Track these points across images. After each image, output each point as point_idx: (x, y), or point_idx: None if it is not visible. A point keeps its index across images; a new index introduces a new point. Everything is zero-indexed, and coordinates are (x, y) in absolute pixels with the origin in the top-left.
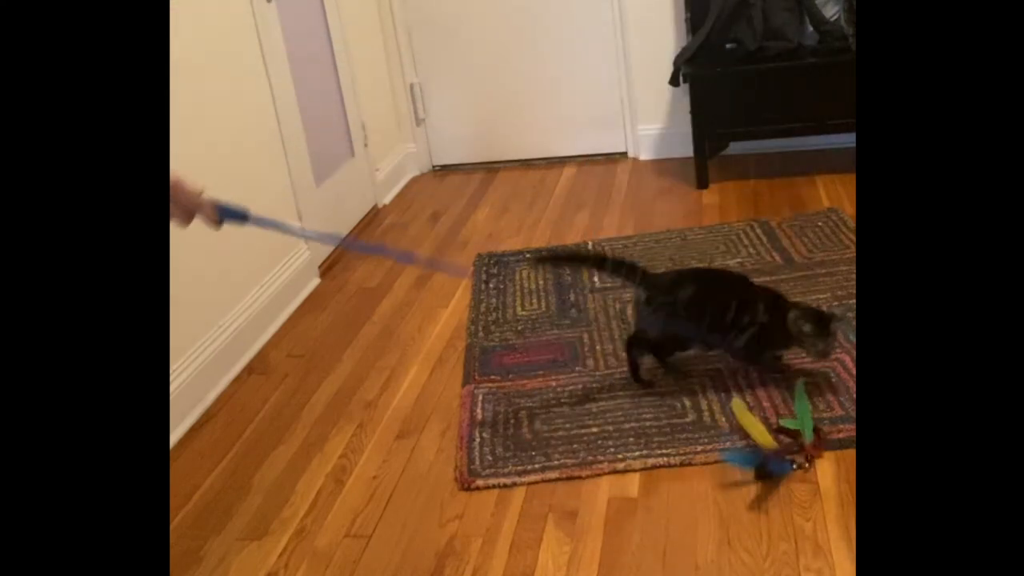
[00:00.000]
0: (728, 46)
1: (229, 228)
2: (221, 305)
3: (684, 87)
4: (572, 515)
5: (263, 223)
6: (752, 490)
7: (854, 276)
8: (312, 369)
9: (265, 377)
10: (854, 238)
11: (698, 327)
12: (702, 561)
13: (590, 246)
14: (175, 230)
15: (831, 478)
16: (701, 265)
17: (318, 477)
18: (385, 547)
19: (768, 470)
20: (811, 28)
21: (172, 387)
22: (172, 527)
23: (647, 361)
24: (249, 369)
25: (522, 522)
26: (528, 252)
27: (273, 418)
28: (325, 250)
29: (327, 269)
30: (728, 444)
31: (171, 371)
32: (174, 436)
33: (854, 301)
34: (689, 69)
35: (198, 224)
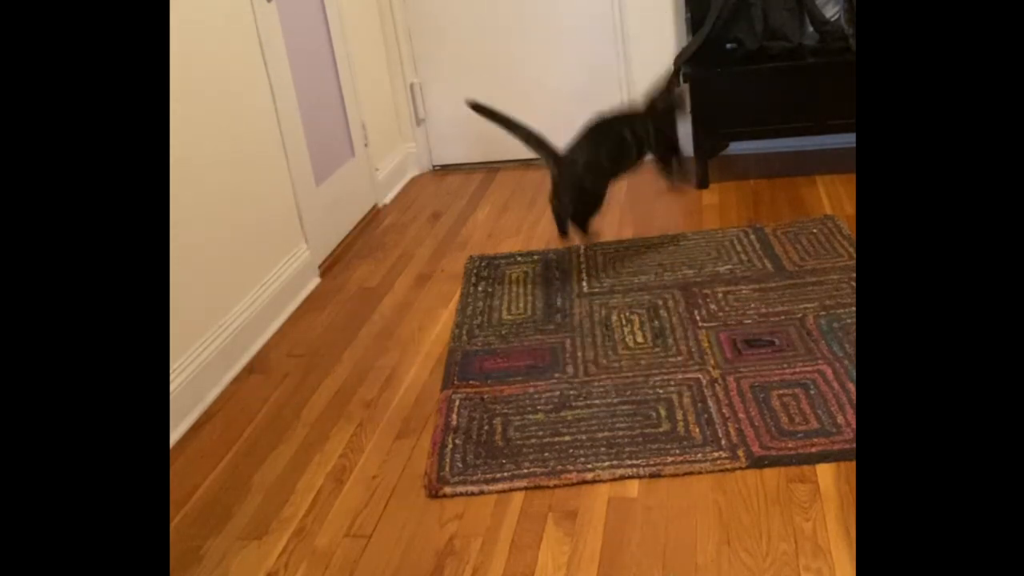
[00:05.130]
0: (728, 46)
1: (228, 229)
2: (221, 305)
3: (684, 87)
4: (572, 515)
5: None
6: (752, 490)
7: (844, 286)
8: (312, 369)
9: (265, 377)
10: (848, 246)
11: (601, 177)
12: (702, 561)
13: (582, 250)
14: (175, 231)
15: (831, 478)
16: (600, 126)
17: (318, 477)
18: (385, 547)
19: None
20: (811, 28)
21: (172, 387)
22: (172, 527)
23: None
24: (249, 369)
25: (522, 522)
26: (519, 255)
27: (273, 418)
28: (325, 250)
29: (327, 269)
30: (700, 455)
31: (171, 371)
32: (174, 436)
33: (841, 311)
34: (689, 69)
35: (198, 225)
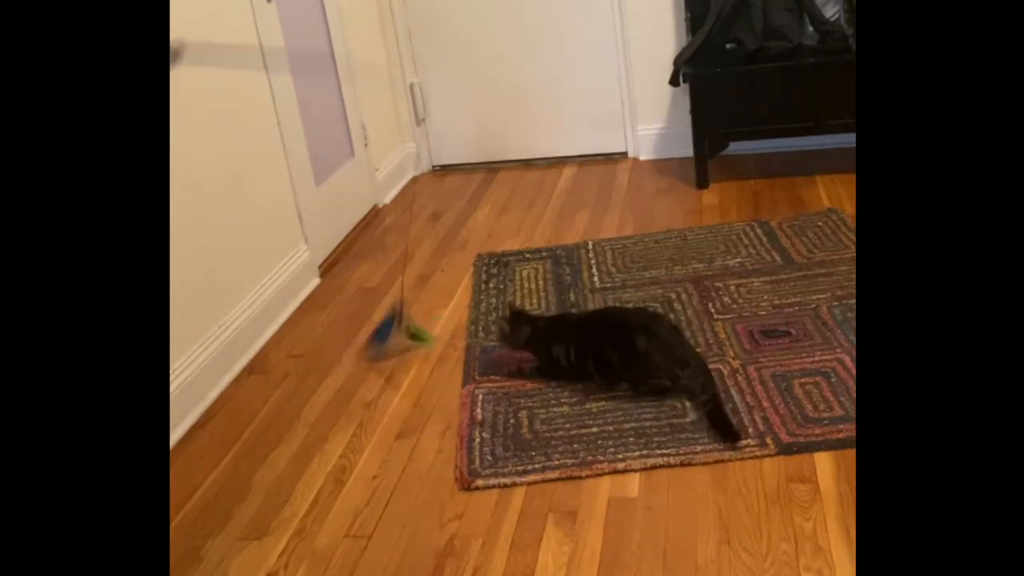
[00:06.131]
0: (728, 46)
1: (228, 229)
2: (221, 305)
3: (684, 87)
4: (572, 515)
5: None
6: (752, 490)
7: (854, 276)
8: (312, 369)
9: (265, 377)
10: (854, 238)
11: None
12: (702, 561)
13: (590, 245)
14: (175, 232)
15: (831, 478)
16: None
17: (318, 477)
18: (385, 547)
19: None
20: (811, 28)
21: (172, 387)
22: (172, 527)
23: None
24: (249, 369)
25: (522, 522)
26: (527, 252)
27: (273, 418)
28: (325, 250)
29: (327, 269)
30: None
31: (171, 371)
32: (174, 436)
33: (854, 301)
34: (689, 69)
35: (198, 225)
